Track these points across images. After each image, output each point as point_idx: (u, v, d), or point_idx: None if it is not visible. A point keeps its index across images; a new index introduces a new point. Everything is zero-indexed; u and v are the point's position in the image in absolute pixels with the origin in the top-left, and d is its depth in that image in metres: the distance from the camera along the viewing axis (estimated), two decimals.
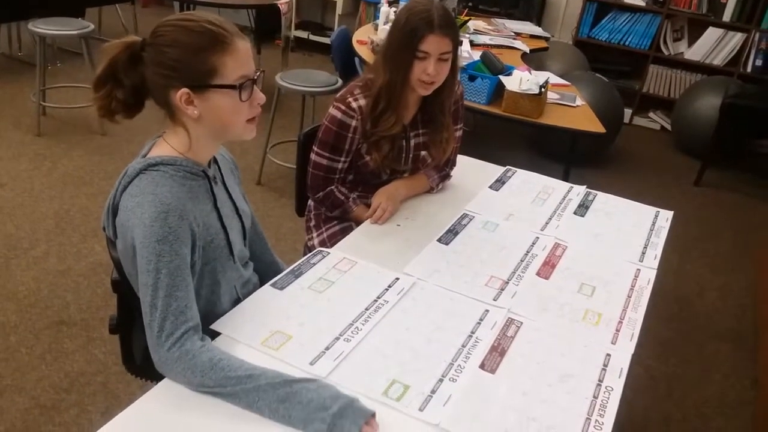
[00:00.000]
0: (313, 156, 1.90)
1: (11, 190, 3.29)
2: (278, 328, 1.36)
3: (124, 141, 3.90)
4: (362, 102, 1.83)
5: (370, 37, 3.63)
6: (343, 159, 1.89)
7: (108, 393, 2.15)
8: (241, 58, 1.25)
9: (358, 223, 1.95)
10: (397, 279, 1.57)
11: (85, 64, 3.95)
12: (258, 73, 1.30)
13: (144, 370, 1.57)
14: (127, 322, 1.54)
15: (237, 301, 1.46)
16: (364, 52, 3.52)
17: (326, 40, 5.86)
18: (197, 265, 1.30)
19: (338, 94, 1.88)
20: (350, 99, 1.83)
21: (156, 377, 1.21)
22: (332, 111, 1.85)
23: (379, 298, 1.50)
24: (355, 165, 1.93)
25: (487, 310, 1.50)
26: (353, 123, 1.83)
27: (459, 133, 2.05)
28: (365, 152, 1.89)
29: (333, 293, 1.50)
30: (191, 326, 1.20)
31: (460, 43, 1.95)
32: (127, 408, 1.13)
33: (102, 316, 2.48)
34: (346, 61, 3.77)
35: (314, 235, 2.03)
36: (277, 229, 3.15)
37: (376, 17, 5.24)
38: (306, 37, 5.93)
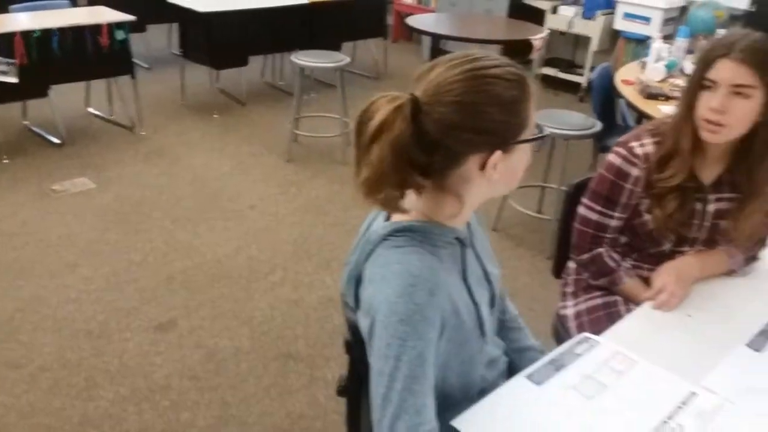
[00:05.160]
0: (581, 209, 1.61)
1: (259, 211, 3.44)
2: None
3: None
4: (649, 149, 1.51)
5: (638, 77, 3.21)
6: (617, 215, 1.57)
7: None
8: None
9: (627, 300, 1.59)
10: (695, 394, 1.18)
11: (337, 95, 4.06)
12: None
13: None
14: (358, 387, 1.36)
15: (482, 389, 1.19)
16: (629, 94, 3.10)
17: (576, 78, 5.49)
18: (443, 349, 1.06)
19: (622, 138, 1.56)
20: (634, 143, 1.52)
21: None
22: (610, 157, 1.56)
23: (669, 419, 1.13)
24: (631, 225, 1.58)
25: None
26: (635, 172, 1.51)
27: None
28: (645, 209, 1.54)
29: (606, 402, 1.16)
30: (427, 429, 0.97)
31: None
32: None
33: (327, 354, 2.40)
34: (605, 103, 3.38)
35: (569, 303, 1.71)
36: (513, 283, 2.85)
37: (636, 54, 4.77)
38: (554, 74, 5.60)
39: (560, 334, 1.70)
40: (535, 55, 4.39)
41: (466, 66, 1.00)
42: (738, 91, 1.38)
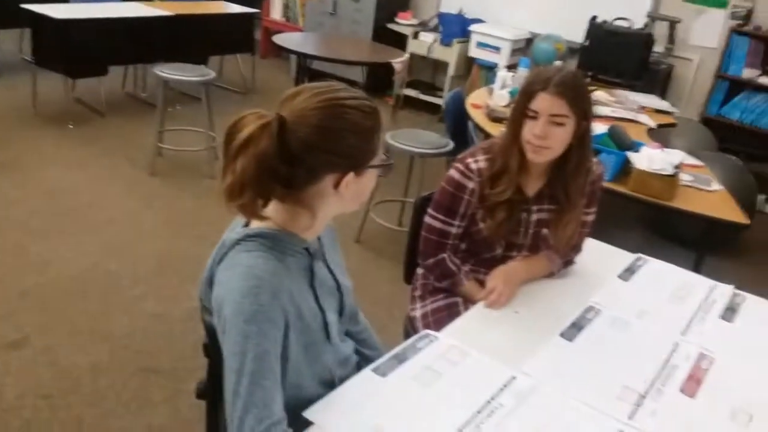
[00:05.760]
0: (426, 218, 1.79)
1: (119, 225, 3.36)
2: (377, 423, 1.19)
3: None
4: (483, 165, 1.72)
5: (485, 101, 3.51)
6: (457, 223, 1.76)
7: None
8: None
9: (466, 300, 1.78)
10: (514, 378, 1.38)
11: (202, 109, 4.05)
12: None
13: None
14: (216, 389, 1.43)
15: (332, 383, 1.31)
16: (478, 117, 3.40)
17: (436, 100, 5.82)
18: (290, 348, 1.16)
19: (459, 155, 1.77)
20: (470, 160, 1.73)
21: None
22: (450, 172, 1.75)
23: (492, 399, 1.31)
24: (469, 232, 1.78)
25: (622, 431, 1.27)
26: (470, 185, 1.71)
27: (591, 218, 1.85)
28: (480, 218, 1.74)
29: (441, 387, 1.32)
30: (275, 421, 1.07)
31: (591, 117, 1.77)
32: None
33: (192, 367, 2.41)
34: (457, 124, 3.66)
35: (418, 306, 1.88)
36: (373, 291, 3.01)
37: (488, 80, 5.16)
38: (415, 95, 5.91)
39: (410, 335, 1.85)
40: (396, 78, 4.63)
41: (329, 95, 1.13)
42: (555, 120, 1.61)
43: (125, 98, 5.29)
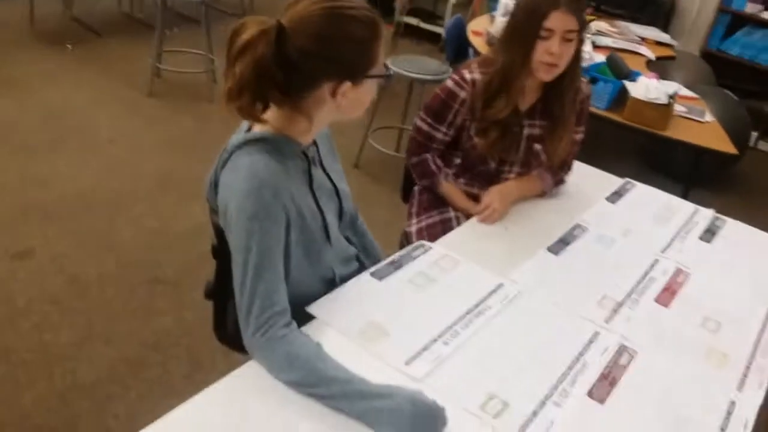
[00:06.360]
0: (416, 120, 1.87)
1: (119, 145, 3.40)
2: (374, 320, 1.29)
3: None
4: (477, 76, 1.76)
5: (486, 29, 3.50)
6: (443, 129, 1.83)
7: (191, 358, 2.16)
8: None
9: (457, 214, 1.86)
10: (502, 285, 1.47)
11: (200, 32, 4.02)
12: None
13: (233, 340, 1.53)
14: (224, 289, 1.52)
15: (332, 282, 1.40)
16: (478, 44, 3.40)
17: (436, 29, 5.75)
18: (291, 246, 1.24)
19: (458, 68, 1.82)
20: (465, 71, 1.78)
21: (242, 349, 1.18)
22: (446, 81, 1.81)
23: (481, 302, 1.40)
24: (464, 147, 1.85)
25: (598, 333, 1.37)
26: (462, 94, 1.77)
27: (580, 137, 1.91)
28: (474, 133, 1.81)
29: (434, 291, 1.41)
30: (277, 311, 1.15)
31: (586, 28, 1.79)
32: (215, 384, 1.11)
33: (194, 279, 2.51)
34: (458, 51, 3.65)
35: (413, 222, 1.96)
36: (371, 215, 3.07)
37: (490, 8, 5.09)
38: (416, 24, 5.84)
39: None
40: (398, 3, 4.58)
41: (329, 3, 1.15)
42: (567, 37, 1.64)
43: (122, 18, 5.22)
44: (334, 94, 1.19)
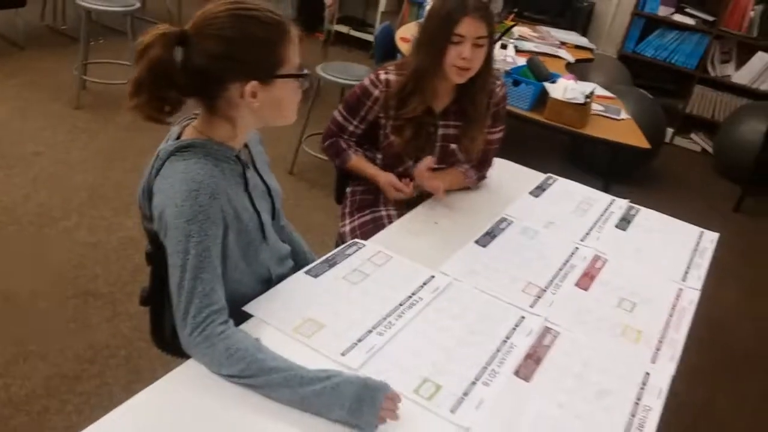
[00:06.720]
0: (334, 112, 1.98)
1: (47, 158, 3.32)
2: (311, 315, 1.33)
3: None
4: (391, 77, 1.86)
5: (413, 35, 3.59)
6: (355, 122, 1.94)
7: (130, 368, 2.14)
8: (297, 46, 1.25)
9: (389, 213, 1.92)
10: (433, 277, 1.54)
11: (127, 43, 3.97)
12: None
13: (171, 345, 1.55)
14: (159, 294, 1.53)
15: (269, 281, 1.44)
16: (406, 50, 3.48)
17: (366, 37, 5.84)
18: (229, 247, 1.27)
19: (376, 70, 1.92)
20: (382, 72, 1.88)
21: (181, 354, 1.20)
22: (364, 80, 1.91)
23: (413, 294, 1.47)
24: (382, 146, 1.93)
25: (523, 317, 1.46)
26: (375, 92, 1.86)
27: (499, 136, 2.01)
28: (390, 131, 1.88)
29: (367, 286, 1.47)
30: (215, 310, 1.17)
31: (496, 35, 1.92)
32: (152, 384, 1.12)
33: (129, 291, 2.48)
34: (387, 58, 3.74)
35: (347, 222, 2.02)
36: (307, 220, 3.13)
37: (419, 15, 5.23)
38: (346, 32, 5.91)
39: None
40: (327, 12, 4.63)
41: (232, 6, 1.21)
42: (478, 42, 1.73)
43: (45, 31, 5.07)
44: (242, 94, 1.22)
